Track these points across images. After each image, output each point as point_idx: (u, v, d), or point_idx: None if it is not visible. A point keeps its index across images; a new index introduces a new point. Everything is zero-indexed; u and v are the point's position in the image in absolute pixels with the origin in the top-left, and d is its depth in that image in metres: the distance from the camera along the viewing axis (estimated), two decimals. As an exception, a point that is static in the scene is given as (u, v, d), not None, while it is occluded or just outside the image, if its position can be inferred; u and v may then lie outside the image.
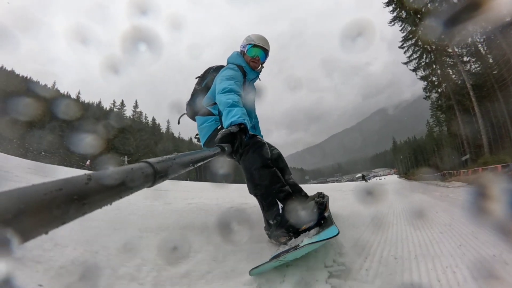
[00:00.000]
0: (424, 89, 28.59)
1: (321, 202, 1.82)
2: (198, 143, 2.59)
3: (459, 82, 25.25)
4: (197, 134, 2.62)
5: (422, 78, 28.00)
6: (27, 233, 0.35)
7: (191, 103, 2.68)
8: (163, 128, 76.75)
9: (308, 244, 1.56)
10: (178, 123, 2.76)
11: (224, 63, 2.56)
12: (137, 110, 69.56)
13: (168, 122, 78.73)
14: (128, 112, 67.99)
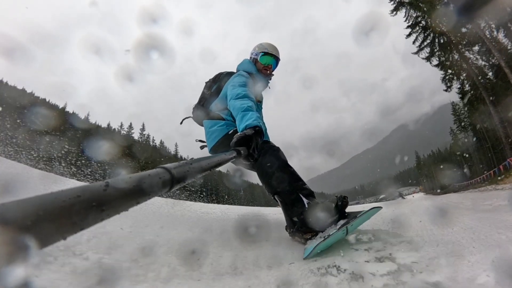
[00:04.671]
0: (443, 79, 24.43)
1: (344, 196, 1.84)
2: (202, 145, 2.59)
3: (483, 65, 21.89)
4: (198, 140, 2.63)
5: (437, 65, 23.92)
6: (46, 239, 0.36)
7: (199, 107, 2.67)
8: (172, 151, 77.74)
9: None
10: (181, 123, 2.76)
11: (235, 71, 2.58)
12: (144, 132, 70.40)
13: (176, 145, 79.99)
14: (136, 135, 68.92)
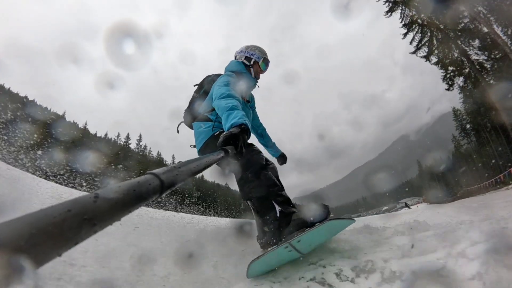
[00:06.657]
0: (443, 78, 23.38)
1: (325, 205, 1.71)
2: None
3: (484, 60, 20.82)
4: (193, 145, 2.59)
5: (436, 63, 22.78)
6: (41, 258, 0.35)
7: (189, 110, 2.66)
8: (169, 162, 76.95)
9: (320, 225, 1.48)
10: (178, 132, 2.74)
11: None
12: (141, 143, 69.45)
13: (173, 157, 79.38)
14: (132, 145, 67.97)
